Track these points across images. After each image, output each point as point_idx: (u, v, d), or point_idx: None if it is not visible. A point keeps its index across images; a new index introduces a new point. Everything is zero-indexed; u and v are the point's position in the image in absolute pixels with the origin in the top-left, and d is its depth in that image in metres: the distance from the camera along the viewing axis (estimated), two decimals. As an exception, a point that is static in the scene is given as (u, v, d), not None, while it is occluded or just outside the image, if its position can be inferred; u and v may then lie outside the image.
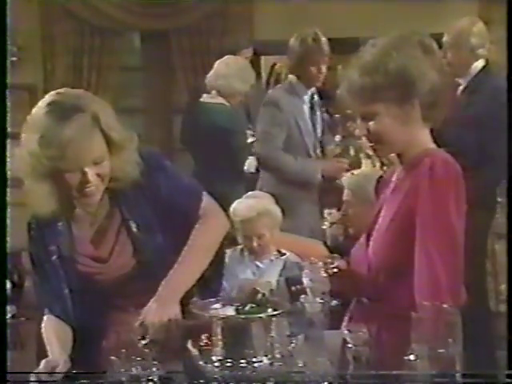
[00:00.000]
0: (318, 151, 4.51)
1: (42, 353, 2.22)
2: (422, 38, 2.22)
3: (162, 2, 6.25)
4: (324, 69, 4.39)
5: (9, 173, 2.20)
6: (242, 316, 1.95)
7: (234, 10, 6.27)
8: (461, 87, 4.22)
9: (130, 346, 1.93)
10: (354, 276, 2.31)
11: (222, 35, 6.12)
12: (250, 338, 1.92)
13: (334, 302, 2.36)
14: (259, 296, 2.03)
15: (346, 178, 3.60)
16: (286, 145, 4.38)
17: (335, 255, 2.42)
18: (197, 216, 2.40)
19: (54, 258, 2.33)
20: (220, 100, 4.74)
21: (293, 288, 2.53)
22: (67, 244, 2.34)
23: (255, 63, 5.54)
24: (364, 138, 2.25)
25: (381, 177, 3.22)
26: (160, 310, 2.21)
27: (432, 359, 1.78)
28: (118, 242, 2.34)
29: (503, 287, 4.22)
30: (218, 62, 4.83)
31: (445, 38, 4.17)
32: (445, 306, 1.84)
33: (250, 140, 4.84)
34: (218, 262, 2.49)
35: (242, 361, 1.89)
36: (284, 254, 3.42)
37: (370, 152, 2.29)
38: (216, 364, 1.91)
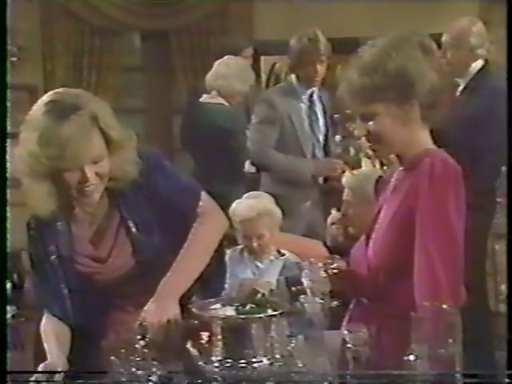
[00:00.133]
0: (317, 151, 4.51)
1: (41, 353, 2.22)
2: (422, 39, 2.22)
3: (162, 2, 6.25)
4: (320, 69, 4.39)
5: (9, 172, 2.20)
6: (242, 316, 1.95)
7: (233, 9, 6.27)
8: (460, 87, 4.22)
9: (130, 346, 1.94)
10: (353, 276, 2.31)
11: (222, 35, 6.12)
12: (249, 338, 1.92)
13: (334, 303, 2.36)
14: (259, 296, 2.04)
15: (346, 178, 3.60)
16: (279, 144, 4.39)
17: (335, 255, 2.42)
18: (195, 215, 2.40)
19: (53, 257, 2.33)
20: (220, 100, 4.73)
21: (293, 288, 2.53)
22: (66, 244, 2.34)
23: (255, 63, 5.53)
24: (363, 139, 2.24)
25: (380, 177, 3.22)
26: (159, 310, 2.21)
27: (432, 359, 1.78)
28: (117, 242, 2.34)
29: (503, 287, 4.22)
30: (217, 62, 4.83)
31: (444, 38, 4.17)
32: (445, 306, 1.84)
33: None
34: (217, 262, 2.49)
35: (242, 361, 1.89)
36: (284, 255, 3.42)
37: (370, 152, 2.28)
38: (216, 364, 1.91)
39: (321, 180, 4.49)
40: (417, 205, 2.13)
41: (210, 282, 2.45)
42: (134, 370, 1.86)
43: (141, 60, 6.84)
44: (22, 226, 2.37)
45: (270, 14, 6.15)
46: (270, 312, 1.96)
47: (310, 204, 4.42)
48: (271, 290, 3.05)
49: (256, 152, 4.44)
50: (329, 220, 3.85)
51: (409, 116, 2.18)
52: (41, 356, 2.16)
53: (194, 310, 2.04)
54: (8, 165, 2.17)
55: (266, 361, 1.90)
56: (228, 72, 4.72)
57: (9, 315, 3.53)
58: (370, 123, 2.19)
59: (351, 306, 2.33)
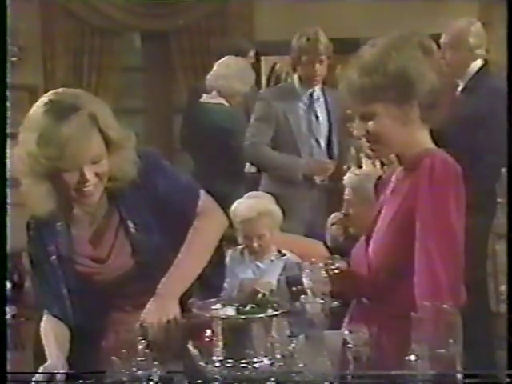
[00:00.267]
0: (316, 151, 4.50)
1: (41, 353, 2.22)
2: (422, 39, 2.22)
3: (162, 2, 6.25)
4: (320, 69, 4.38)
5: (8, 173, 2.20)
6: (243, 316, 1.95)
7: (233, 10, 6.28)
8: (459, 87, 4.22)
9: (130, 346, 1.93)
10: (354, 276, 2.31)
11: (222, 35, 6.13)
12: (250, 339, 1.92)
13: (335, 303, 2.36)
14: (259, 296, 2.04)
15: (347, 178, 3.60)
16: (274, 142, 4.39)
17: (335, 256, 2.42)
18: (194, 214, 2.40)
19: (53, 258, 2.33)
20: (220, 100, 4.74)
21: (293, 288, 2.53)
22: (66, 244, 2.34)
23: (255, 63, 5.53)
24: (363, 139, 2.24)
25: (380, 177, 3.22)
26: (159, 310, 2.21)
27: (432, 359, 1.78)
28: (117, 242, 2.34)
29: (503, 287, 4.22)
30: (218, 62, 4.83)
31: (443, 39, 4.17)
32: (445, 306, 1.84)
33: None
34: (218, 262, 2.49)
35: (243, 361, 1.89)
36: (284, 255, 3.42)
37: (370, 152, 2.28)
38: (216, 364, 1.90)
39: (318, 180, 4.48)
40: (417, 205, 2.13)
41: (210, 281, 2.45)
42: (134, 370, 1.86)
43: (141, 60, 6.85)
44: (22, 226, 2.37)
45: (270, 14, 6.16)
46: (270, 312, 1.95)
47: (311, 204, 4.41)
48: (272, 290, 3.05)
49: (249, 148, 4.44)
50: (329, 220, 3.86)
51: (408, 116, 2.18)
52: (41, 356, 2.16)
53: (194, 310, 2.04)
54: (8, 165, 2.17)
55: (266, 361, 1.90)
56: (228, 72, 4.73)
57: (9, 315, 3.53)
58: (370, 123, 2.19)
59: (351, 306, 2.33)
